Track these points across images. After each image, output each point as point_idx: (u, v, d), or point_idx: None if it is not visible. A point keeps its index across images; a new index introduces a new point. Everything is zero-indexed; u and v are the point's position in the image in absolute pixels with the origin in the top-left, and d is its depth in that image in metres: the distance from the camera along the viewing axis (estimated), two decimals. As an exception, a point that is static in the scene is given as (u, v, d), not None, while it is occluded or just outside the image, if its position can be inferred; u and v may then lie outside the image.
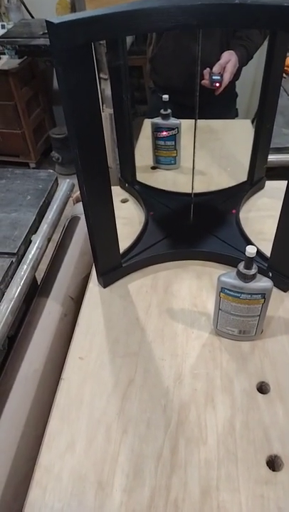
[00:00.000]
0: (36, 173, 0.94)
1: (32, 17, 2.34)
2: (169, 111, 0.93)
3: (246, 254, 0.51)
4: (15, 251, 0.73)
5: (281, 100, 1.62)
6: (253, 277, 0.53)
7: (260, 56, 1.24)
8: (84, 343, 0.63)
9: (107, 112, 1.44)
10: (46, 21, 0.43)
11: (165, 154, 0.99)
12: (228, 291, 0.55)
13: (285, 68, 1.87)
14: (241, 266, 0.53)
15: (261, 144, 0.83)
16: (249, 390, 0.55)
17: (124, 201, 0.92)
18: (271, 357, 0.59)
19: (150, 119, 0.97)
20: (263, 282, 0.54)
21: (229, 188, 0.91)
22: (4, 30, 2.16)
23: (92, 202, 0.59)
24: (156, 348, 0.61)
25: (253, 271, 0.53)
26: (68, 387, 0.57)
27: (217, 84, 1.14)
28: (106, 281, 0.71)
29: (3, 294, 0.66)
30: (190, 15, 0.48)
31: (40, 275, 0.84)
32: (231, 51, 1.17)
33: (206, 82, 1.14)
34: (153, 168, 1.03)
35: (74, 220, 0.94)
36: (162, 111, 0.93)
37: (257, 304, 0.55)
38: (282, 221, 0.61)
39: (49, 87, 2.59)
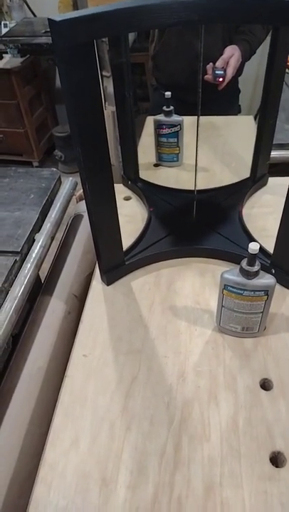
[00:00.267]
0: (39, 171, 0.94)
1: (34, 15, 2.34)
2: (172, 108, 0.93)
3: (249, 251, 0.51)
4: (18, 250, 0.73)
5: (284, 96, 1.61)
6: (256, 274, 0.53)
7: (262, 52, 1.23)
8: (87, 340, 0.63)
9: (109, 110, 1.44)
10: (48, 19, 0.43)
11: (168, 151, 0.99)
12: (231, 288, 0.55)
13: (288, 64, 1.86)
14: (244, 263, 0.53)
15: (264, 140, 0.83)
16: (252, 386, 0.55)
17: (127, 199, 0.92)
18: (274, 354, 0.59)
19: (152, 117, 0.97)
20: (266, 279, 0.54)
21: (232, 184, 0.91)
22: (7, 29, 2.16)
23: (95, 200, 0.59)
24: (160, 346, 0.61)
25: (256, 268, 0.53)
26: (72, 384, 0.57)
27: (220, 79, 1.13)
28: (109, 278, 0.71)
29: (7, 293, 0.67)
30: (192, 10, 0.48)
31: (43, 273, 0.84)
32: (234, 46, 1.16)
33: (209, 77, 1.13)
34: (156, 165, 1.03)
35: (77, 218, 0.95)
36: (165, 108, 0.92)
37: (260, 301, 0.55)
38: (285, 217, 0.61)
39: (52, 85, 2.59)
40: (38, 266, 0.74)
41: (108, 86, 1.38)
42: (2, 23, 2.20)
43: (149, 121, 1.17)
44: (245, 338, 0.61)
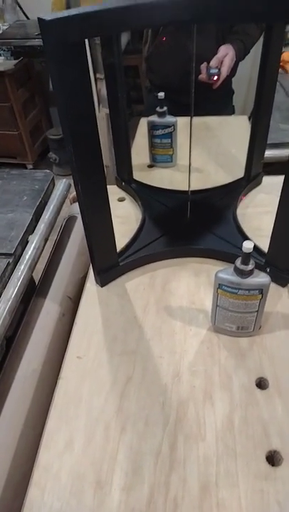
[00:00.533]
0: (33, 173, 0.94)
1: (27, 18, 2.34)
2: (165, 108, 0.93)
3: (243, 249, 0.51)
4: (12, 251, 0.73)
5: (278, 96, 1.62)
6: (250, 273, 0.53)
7: (256, 53, 1.23)
8: (82, 342, 0.62)
9: (103, 112, 1.44)
10: (38, 18, 0.43)
11: (161, 152, 0.99)
12: (225, 288, 0.55)
13: (281, 64, 1.87)
14: (238, 262, 0.53)
15: (258, 140, 0.83)
16: (248, 385, 0.55)
17: (121, 200, 0.92)
18: (270, 352, 0.59)
19: (146, 118, 0.97)
20: (261, 278, 0.54)
21: (226, 184, 0.91)
22: (-1, 32, 2.16)
23: (88, 201, 0.59)
24: (154, 346, 0.61)
25: (250, 266, 0.53)
26: (66, 386, 0.56)
27: (215, 78, 1.13)
28: (103, 280, 0.71)
29: (1, 295, 0.66)
30: (184, 10, 0.47)
31: (37, 275, 0.83)
32: (228, 45, 1.17)
33: (203, 76, 1.13)
34: (150, 166, 1.03)
35: (71, 220, 0.94)
36: (158, 109, 0.92)
37: (255, 300, 0.55)
38: (279, 216, 0.61)
39: (45, 88, 2.59)
40: (32, 268, 0.73)
41: (102, 88, 1.38)
42: (-5, 25, 2.19)
43: (143, 123, 1.17)
44: (241, 337, 0.61)
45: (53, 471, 0.48)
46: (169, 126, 0.94)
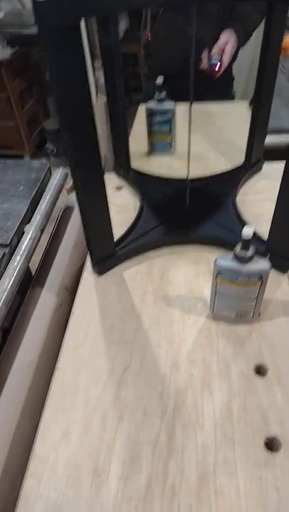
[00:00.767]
0: (29, 163, 0.92)
1: (23, 7, 2.30)
2: (164, 94, 0.91)
3: (242, 235, 0.50)
4: (7, 242, 0.72)
5: (279, 81, 1.59)
6: (250, 259, 0.52)
7: (257, 38, 1.20)
8: (79, 331, 0.62)
9: (102, 100, 1.42)
10: (32, 1, 0.41)
11: (160, 140, 0.98)
12: (224, 274, 0.54)
13: (283, 48, 1.84)
14: (238, 248, 0.52)
15: (259, 126, 0.82)
16: (246, 373, 0.54)
17: (119, 188, 0.90)
18: (269, 339, 0.58)
19: (145, 104, 0.95)
20: (261, 264, 0.52)
21: (226, 172, 0.89)
22: (-5, 21, 2.12)
23: (85, 190, 0.58)
24: (152, 335, 0.60)
25: (250, 253, 0.51)
26: (63, 376, 0.56)
27: (216, 69, 1.11)
28: (100, 269, 0.70)
29: (-3, 285, 0.65)
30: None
31: (34, 266, 0.82)
32: (230, 31, 1.14)
33: (204, 66, 1.11)
34: (148, 154, 1.01)
35: (68, 210, 0.93)
36: (157, 94, 0.90)
37: (254, 287, 0.54)
38: (280, 201, 0.60)
39: (43, 78, 2.55)
40: (28, 258, 0.72)
41: (100, 77, 1.35)
42: (-10, 14, 2.16)
43: (141, 110, 1.15)
44: (240, 324, 0.60)
45: (49, 461, 0.47)
46: (168, 113, 0.92)
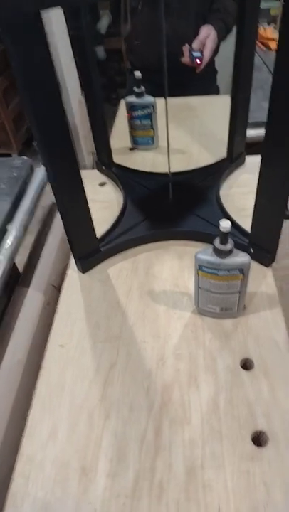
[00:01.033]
0: (10, 160, 0.91)
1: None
2: (143, 89, 0.90)
3: (220, 228, 0.49)
4: (-10, 241, 0.71)
5: (261, 74, 1.59)
6: (229, 253, 0.52)
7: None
8: (64, 330, 0.61)
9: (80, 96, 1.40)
10: None
11: (142, 134, 0.97)
12: (205, 269, 0.54)
13: (265, 41, 1.83)
14: (217, 242, 0.52)
15: (239, 118, 0.81)
16: (233, 367, 0.54)
17: (102, 184, 0.90)
18: (254, 333, 0.58)
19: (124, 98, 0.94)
20: (241, 257, 0.52)
21: (209, 165, 0.89)
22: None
23: (61, 186, 0.57)
24: (138, 331, 0.60)
25: (229, 246, 0.51)
26: (48, 375, 0.55)
27: (198, 62, 1.10)
28: (84, 266, 0.69)
29: (-20, 286, 0.64)
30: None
31: (21, 264, 0.82)
32: (209, 25, 1.13)
33: (186, 59, 1.10)
34: (131, 149, 1.01)
35: (53, 208, 0.92)
36: (135, 88, 0.90)
37: (236, 280, 0.54)
38: (259, 194, 0.60)
39: (26, 74, 2.52)
40: (12, 257, 0.71)
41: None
42: None
43: (123, 104, 1.14)
44: (225, 318, 0.60)
45: (36, 460, 0.47)
46: (148, 107, 0.91)
